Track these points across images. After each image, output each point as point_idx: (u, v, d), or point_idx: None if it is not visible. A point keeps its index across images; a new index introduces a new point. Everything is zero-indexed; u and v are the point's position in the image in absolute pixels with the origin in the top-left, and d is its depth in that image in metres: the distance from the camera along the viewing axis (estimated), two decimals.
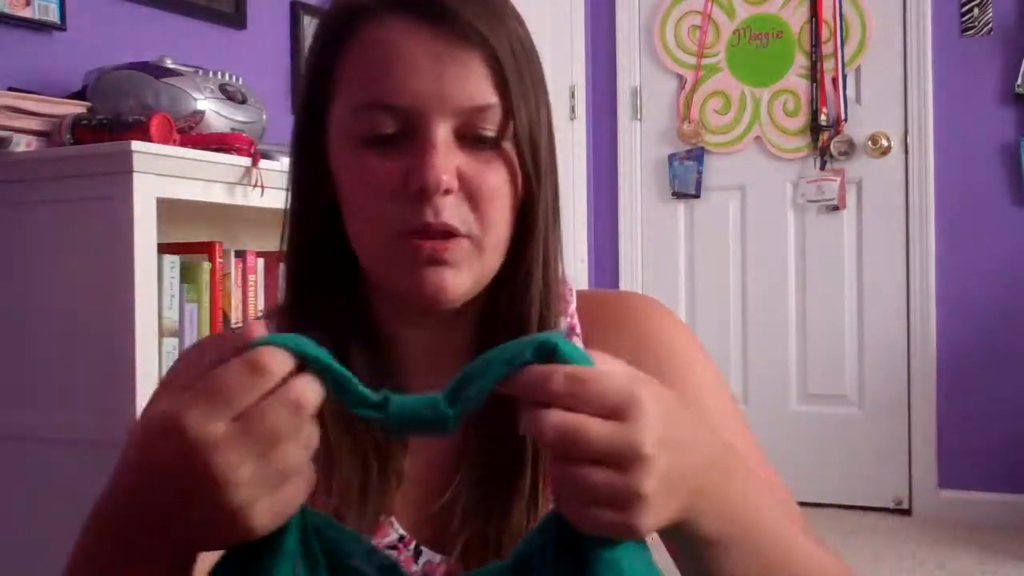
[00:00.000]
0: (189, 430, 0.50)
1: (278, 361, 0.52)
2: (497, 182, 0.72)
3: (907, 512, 3.46)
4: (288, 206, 0.78)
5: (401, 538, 0.74)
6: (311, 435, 0.53)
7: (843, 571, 0.70)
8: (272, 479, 0.51)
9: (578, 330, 0.81)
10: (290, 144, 0.78)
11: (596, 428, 0.52)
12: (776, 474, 0.79)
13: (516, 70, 0.72)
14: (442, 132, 0.69)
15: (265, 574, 0.54)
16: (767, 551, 0.63)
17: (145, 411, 0.72)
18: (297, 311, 0.76)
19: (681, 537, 0.59)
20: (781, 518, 0.66)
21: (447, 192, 0.69)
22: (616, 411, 0.53)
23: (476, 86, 0.70)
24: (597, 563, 0.54)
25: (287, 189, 0.79)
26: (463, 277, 0.71)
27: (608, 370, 0.55)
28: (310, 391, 0.52)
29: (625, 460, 0.53)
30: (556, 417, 0.52)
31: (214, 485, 0.50)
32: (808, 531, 0.72)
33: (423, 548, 0.73)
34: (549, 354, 0.54)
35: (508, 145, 0.72)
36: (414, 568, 0.73)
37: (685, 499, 0.56)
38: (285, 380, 0.52)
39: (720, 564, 0.61)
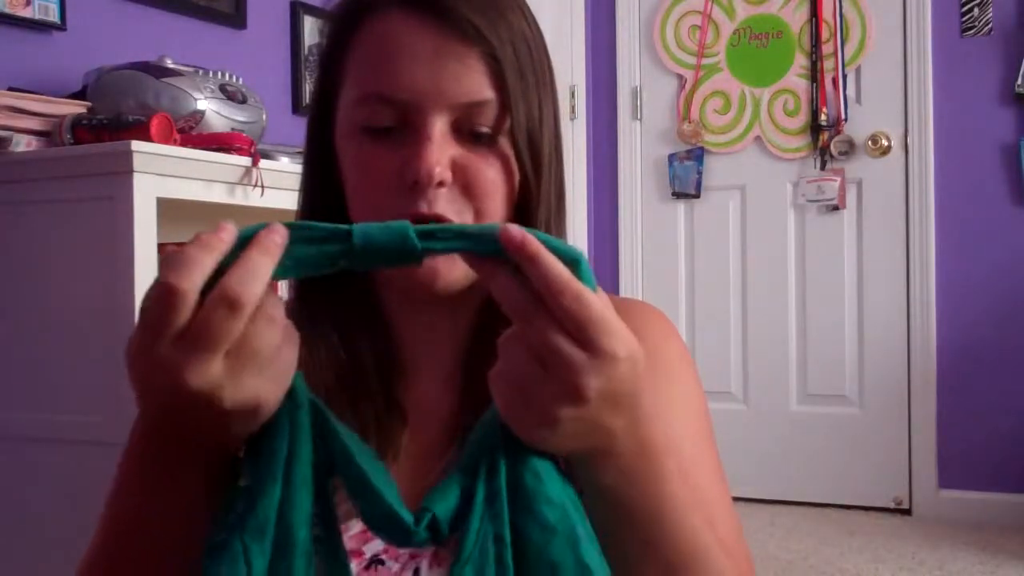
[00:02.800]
0: (188, 382, 0.56)
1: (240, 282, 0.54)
2: (492, 176, 0.73)
3: (907, 512, 3.46)
4: (300, 193, 0.81)
5: None
6: (271, 311, 0.56)
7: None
8: (256, 363, 0.56)
9: None
10: (305, 131, 0.80)
11: (569, 347, 0.55)
12: (723, 496, 0.79)
13: (516, 67, 0.73)
14: (438, 126, 0.71)
15: (284, 420, 0.59)
16: (655, 527, 0.63)
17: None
18: (305, 300, 0.78)
19: (584, 473, 0.62)
20: (691, 508, 0.65)
21: (440, 184, 0.71)
22: (588, 343, 0.55)
23: (473, 82, 0.71)
24: (525, 466, 0.58)
25: (301, 171, 0.81)
26: (456, 263, 0.72)
27: (611, 316, 0.56)
28: (245, 284, 0.54)
29: (568, 384, 0.55)
30: (540, 333, 0.55)
31: (217, 402, 0.55)
32: (728, 550, 0.69)
33: None
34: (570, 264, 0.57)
35: (505, 140, 0.73)
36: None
37: (591, 447, 0.59)
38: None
39: (607, 514, 0.62)
